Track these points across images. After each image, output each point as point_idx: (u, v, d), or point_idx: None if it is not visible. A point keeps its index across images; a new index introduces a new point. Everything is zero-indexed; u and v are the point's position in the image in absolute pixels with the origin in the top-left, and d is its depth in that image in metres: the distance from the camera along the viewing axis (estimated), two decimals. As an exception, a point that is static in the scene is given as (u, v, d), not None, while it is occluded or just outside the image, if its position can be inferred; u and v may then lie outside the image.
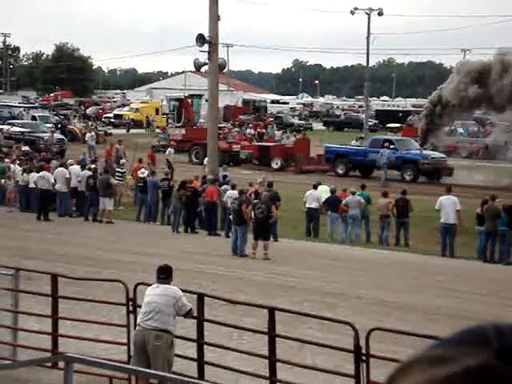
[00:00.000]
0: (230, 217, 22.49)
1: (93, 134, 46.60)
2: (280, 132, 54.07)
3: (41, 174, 26.42)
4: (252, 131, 54.32)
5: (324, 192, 30.71)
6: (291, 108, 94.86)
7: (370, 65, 64.71)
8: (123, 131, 64.54)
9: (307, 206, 25.06)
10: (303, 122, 77.07)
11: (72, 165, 27.61)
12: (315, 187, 25.74)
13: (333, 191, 25.50)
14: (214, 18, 27.78)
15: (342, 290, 16.72)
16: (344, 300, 15.83)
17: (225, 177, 27.79)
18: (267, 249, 20.60)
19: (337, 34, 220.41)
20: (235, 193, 22.76)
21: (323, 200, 24.94)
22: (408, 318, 14.42)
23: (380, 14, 57.00)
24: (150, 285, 9.98)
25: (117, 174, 27.85)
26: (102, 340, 11.65)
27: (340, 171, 39.50)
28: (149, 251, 20.42)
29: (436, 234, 24.21)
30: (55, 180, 26.35)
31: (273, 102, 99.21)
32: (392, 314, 14.79)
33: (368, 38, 57.44)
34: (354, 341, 9.08)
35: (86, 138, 45.61)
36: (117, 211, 27.20)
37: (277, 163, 41.77)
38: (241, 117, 68.47)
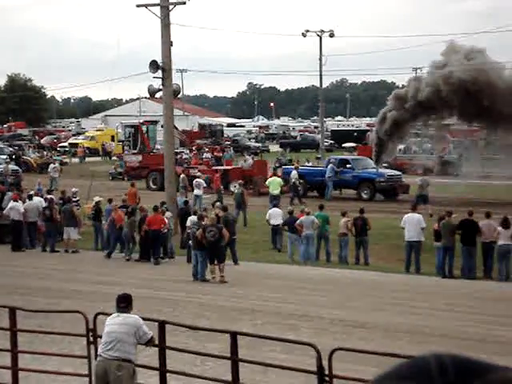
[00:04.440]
0: (190, 242, 22.37)
1: (56, 165, 45.94)
2: (250, 156, 51.64)
3: (10, 204, 26.25)
4: (209, 155, 54.11)
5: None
6: (247, 131, 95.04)
7: (324, 86, 65.11)
8: (78, 160, 63.99)
9: (272, 223, 25.90)
10: (260, 144, 77.17)
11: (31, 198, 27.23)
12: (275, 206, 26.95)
13: (290, 212, 25.65)
14: (167, 43, 27.74)
15: (303, 311, 16.70)
16: (306, 321, 15.82)
17: (186, 202, 27.60)
18: (223, 271, 20.57)
19: (290, 57, 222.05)
20: (195, 218, 22.66)
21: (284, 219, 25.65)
22: (370, 337, 14.45)
23: (331, 35, 57.46)
24: (110, 314, 9.87)
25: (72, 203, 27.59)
26: (63, 372, 11.48)
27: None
28: (108, 280, 20.23)
29: (395, 251, 24.36)
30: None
31: (229, 125, 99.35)
32: (354, 333, 14.81)
33: (320, 59, 57.88)
34: (317, 362, 9.05)
35: (49, 170, 44.81)
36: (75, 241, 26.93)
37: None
38: (198, 141, 68.37)
